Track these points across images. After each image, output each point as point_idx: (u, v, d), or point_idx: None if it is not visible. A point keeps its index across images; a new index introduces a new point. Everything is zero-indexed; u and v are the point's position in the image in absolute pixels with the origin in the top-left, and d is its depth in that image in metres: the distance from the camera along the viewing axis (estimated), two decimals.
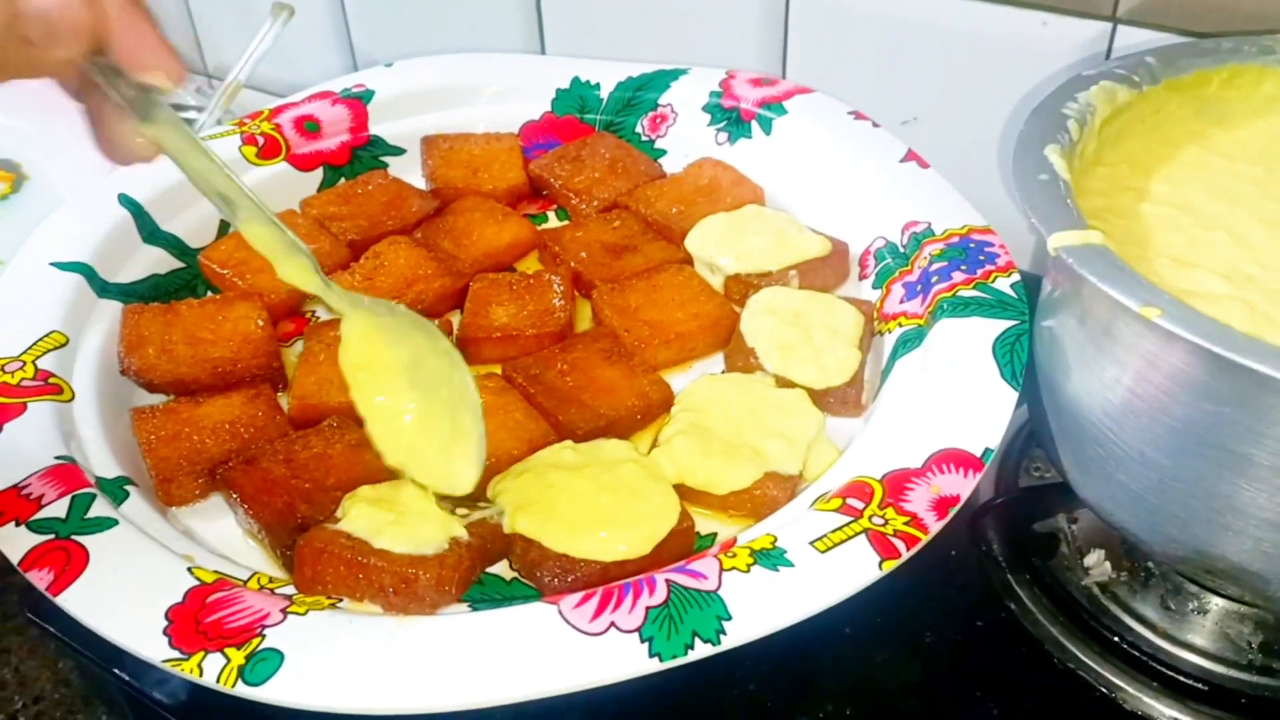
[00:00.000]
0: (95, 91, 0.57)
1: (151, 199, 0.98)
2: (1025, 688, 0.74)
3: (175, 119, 0.59)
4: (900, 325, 0.86)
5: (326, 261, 0.97)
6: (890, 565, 0.65)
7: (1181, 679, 0.73)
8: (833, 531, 0.66)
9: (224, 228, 1.02)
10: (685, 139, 1.11)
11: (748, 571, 0.64)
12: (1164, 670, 0.74)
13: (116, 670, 0.75)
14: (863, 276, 0.96)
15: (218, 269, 0.96)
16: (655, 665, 0.59)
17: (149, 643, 0.62)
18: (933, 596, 0.78)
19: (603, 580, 0.69)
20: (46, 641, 0.80)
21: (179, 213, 1.00)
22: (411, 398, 0.67)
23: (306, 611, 0.64)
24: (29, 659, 0.88)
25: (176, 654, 0.61)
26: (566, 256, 0.98)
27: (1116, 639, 0.75)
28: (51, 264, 0.91)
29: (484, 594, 0.71)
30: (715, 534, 0.76)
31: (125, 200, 0.97)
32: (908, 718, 0.73)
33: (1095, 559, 0.81)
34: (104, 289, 0.91)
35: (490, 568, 0.73)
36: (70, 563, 0.66)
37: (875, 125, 1.04)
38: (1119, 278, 0.62)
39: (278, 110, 1.10)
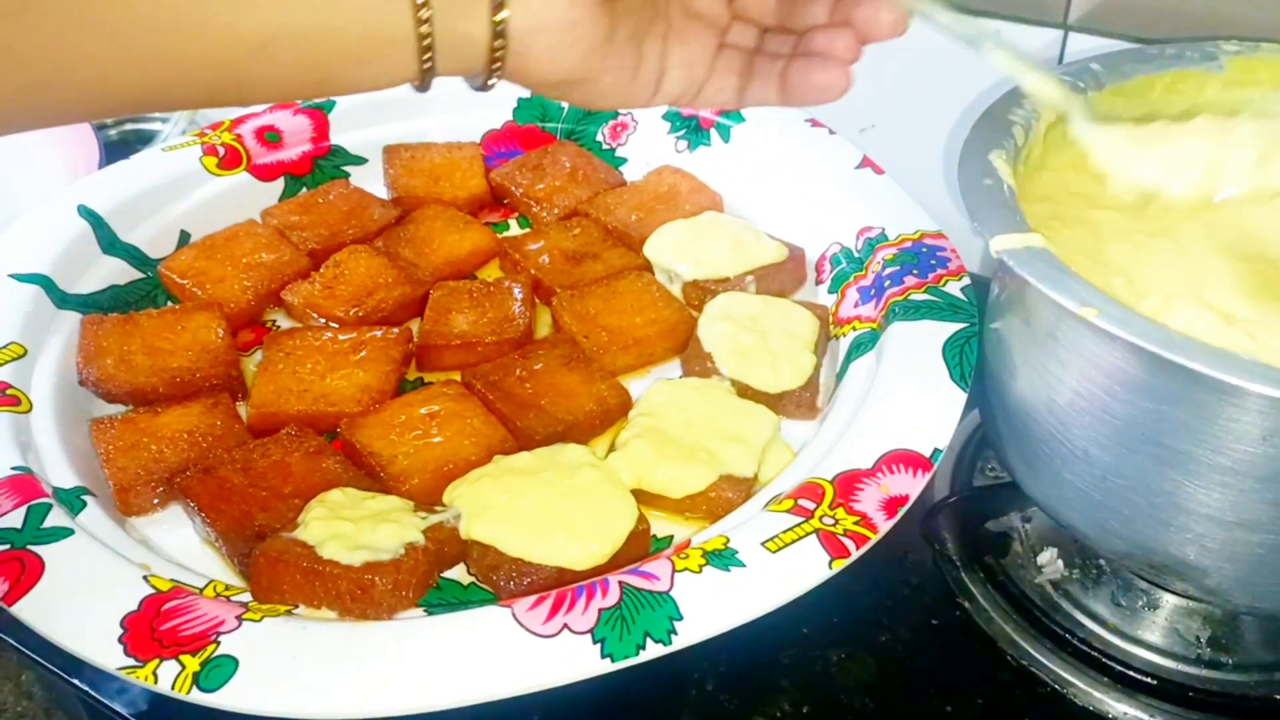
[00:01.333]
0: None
1: (111, 210, 0.98)
2: (979, 685, 0.75)
3: None
4: (855, 329, 0.88)
5: (286, 271, 0.98)
6: (840, 564, 0.66)
7: (1132, 674, 0.74)
8: (784, 532, 0.67)
9: (184, 238, 1.03)
10: (646, 146, 1.12)
11: (699, 572, 0.65)
12: (1115, 665, 0.75)
13: (76, 681, 0.75)
14: (819, 281, 0.97)
15: (177, 279, 0.96)
16: (607, 666, 0.60)
17: (104, 651, 0.62)
18: (888, 596, 0.79)
19: (559, 583, 0.70)
20: (7, 653, 0.80)
21: (138, 224, 1.00)
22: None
23: (261, 618, 0.64)
24: None
25: (131, 661, 0.61)
26: (527, 264, 0.98)
27: (1068, 635, 0.77)
28: (10, 275, 0.90)
29: (441, 599, 0.72)
30: (672, 536, 0.77)
31: (85, 211, 0.97)
32: (863, 716, 0.74)
33: (1048, 557, 0.82)
34: (63, 300, 0.91)
35: (447, 572, 0.73)
36: (25, 572, 0.66)
37: (831, 133, 1.05)
38: (1058, 279, 0.64)
39: (239, 120, 1.10)
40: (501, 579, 0.70)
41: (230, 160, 1.07)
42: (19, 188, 1.20)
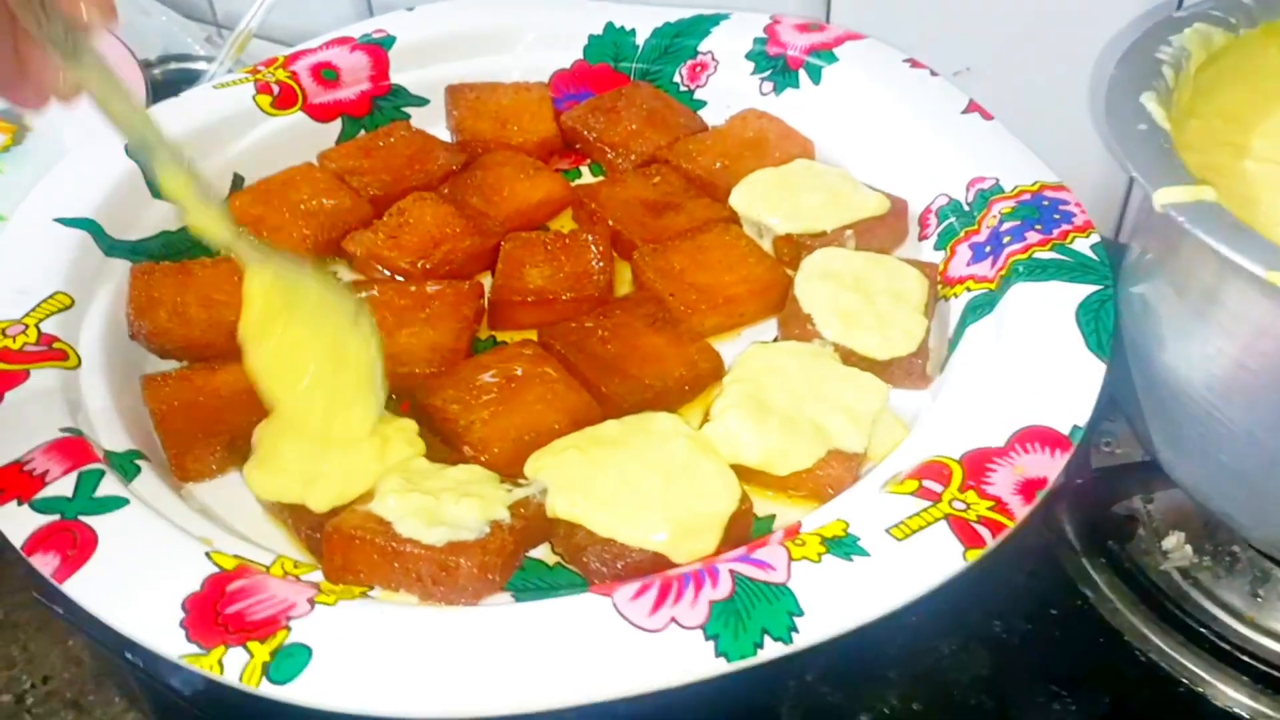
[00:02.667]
0: (14, 25, 0.52)
1: None
2: (1104, 681, 0.69)
3: (101, 60, 0.55)
4: (968, 290, 0.80)
5: (348, 218, 0.91)
6: (975, 555, 0.59)
7: (1274, 672, 0.67)
8: (910, 517, 0.61)
9: (237, 182, 0.96)
10: (727, 89, 1.04)
11: (819, 562, 0.58)
12: (1254, 663, 0.68)
13: (129, 655, 0.69)
14: (923, 237, 0.89)
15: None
16: (723, 666, 0.54)
17: (164, 636, 0.56)
18: (1001, 583, 0.73)
19: (654, 567, 0.64)
20: (55, 618, 0.75)
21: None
22: (312, 357, 0.65)
23: (336, 601, 0.58)
24: (38, 635, 0.83)
25: (194, 648, 0.56)
26: (604, 214, 0.91)
27: (1202, 629, 0.70)
28: (55, 220, 0.84)
29: (526, 580, 0.66)
30: (774, 516, 0.70)
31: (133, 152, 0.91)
32: (980, 714, 0.67)
33: (1174, 542, 0.75)
34: (111, 247, 0.85)
35: (531, 551, 0.67)
36: (77, 546, 0.60)
37: (933, 74, 0.96)
38: (1238, 238, 0.56)
39: (293, 57, 1.03)
40: (592, 561, 0.64)
41: (285, 99, 1.00)
42: (64, 130, 1.14)
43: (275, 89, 1.00)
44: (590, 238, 0.88)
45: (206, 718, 0.70)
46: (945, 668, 0.69)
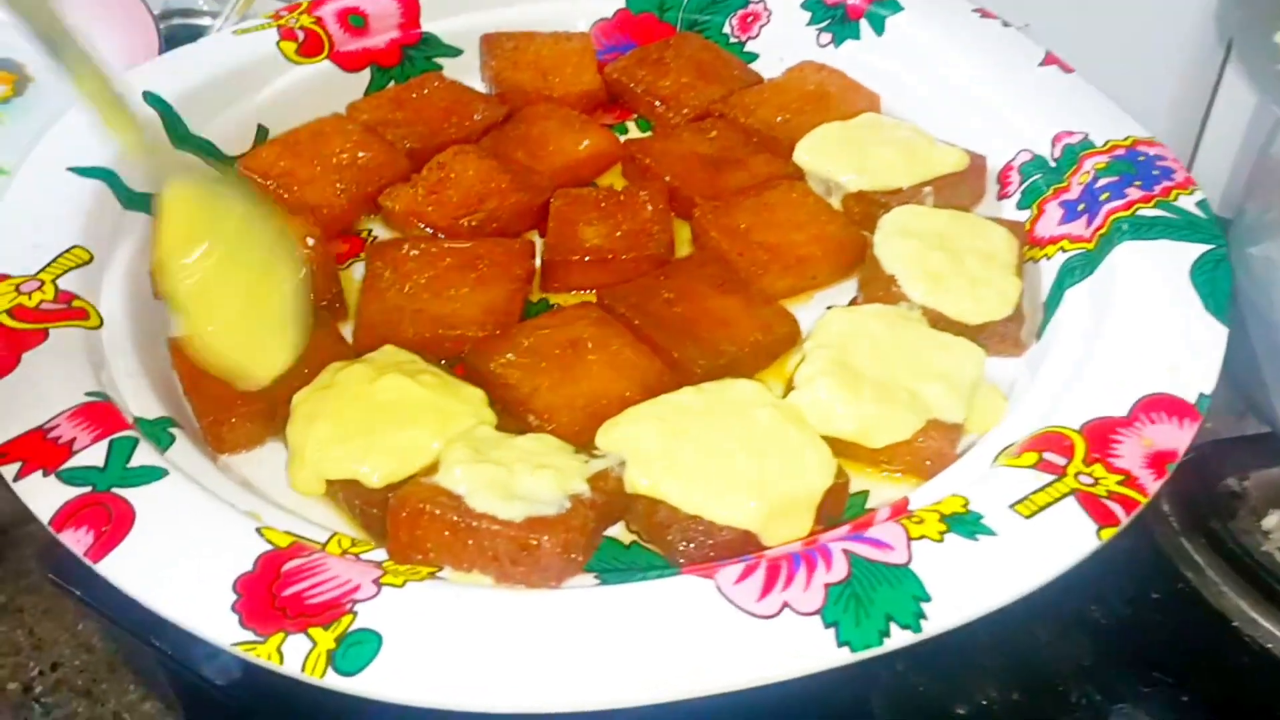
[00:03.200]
0: None
1: (182, 97, 0.85)
2: (1214, 669, 0.64)
3: None
4: (1063, 250, 0.75)
5: (384, 172, 0.85)
6: (1109, 533, 0.54)
7: None
8: (1035, 492, 0.55)
9: (261, 133, 0.90)
10: (781, 40, 0.98)
11: (941, 541, 0.53)
12: None
13: (156, 642, 0.64)
14: (1003, 195, 0.83)
15: (259, 179, 0.83)
16: (846, 656, 0.49)
17: (215, 622, 0.50)
18: (1095, 564, 0.68)
19: (744, 547, 0.58)
20: (64, 600, 0.69)
21: (213, 115, 0.87)
22: (234, 285, 0.60)
23: (404, 583, 0.53)
24: (44, 620, 0.78)
25: (249, 635, 0.50)
26: (659, 170, 0.85)
27: None
28: (69, 169, 0.78)
29: (604, 562, 0.60)
30: (866, 493, 0.65)
31: (152, 99, 0.84)
32: (1083, 707, 0.63)
33: (1275, 521, 0.70)
34: (130, 199, 0.78)
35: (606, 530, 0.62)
36: (113, 522, 0.54)
37: (1006, 25, 0.91)
38: None
39: (318, 2, 0.96)
40: (677, 540, 0.59)
41: (311, 46, 0.93)
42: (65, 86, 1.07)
43: (300, 35, 0.93)
44: (646, 194, 0.82)
45: (240, 708, 0.64)
46: (1045, 657, 0.65)
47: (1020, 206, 0.81)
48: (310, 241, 0.77)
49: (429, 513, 0.55)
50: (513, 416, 0.66)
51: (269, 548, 0.54)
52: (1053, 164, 0.80)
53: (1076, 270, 0.72)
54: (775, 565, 0.52)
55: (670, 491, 0.60)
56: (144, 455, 0.59)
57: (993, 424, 0.65)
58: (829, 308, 0.74)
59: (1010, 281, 0.73)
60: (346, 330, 0.75)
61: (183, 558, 0.53)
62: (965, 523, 0.54)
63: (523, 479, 0.57)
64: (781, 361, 0.73)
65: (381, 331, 0.72)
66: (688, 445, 0.62)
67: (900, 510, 0.57)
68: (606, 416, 0.65)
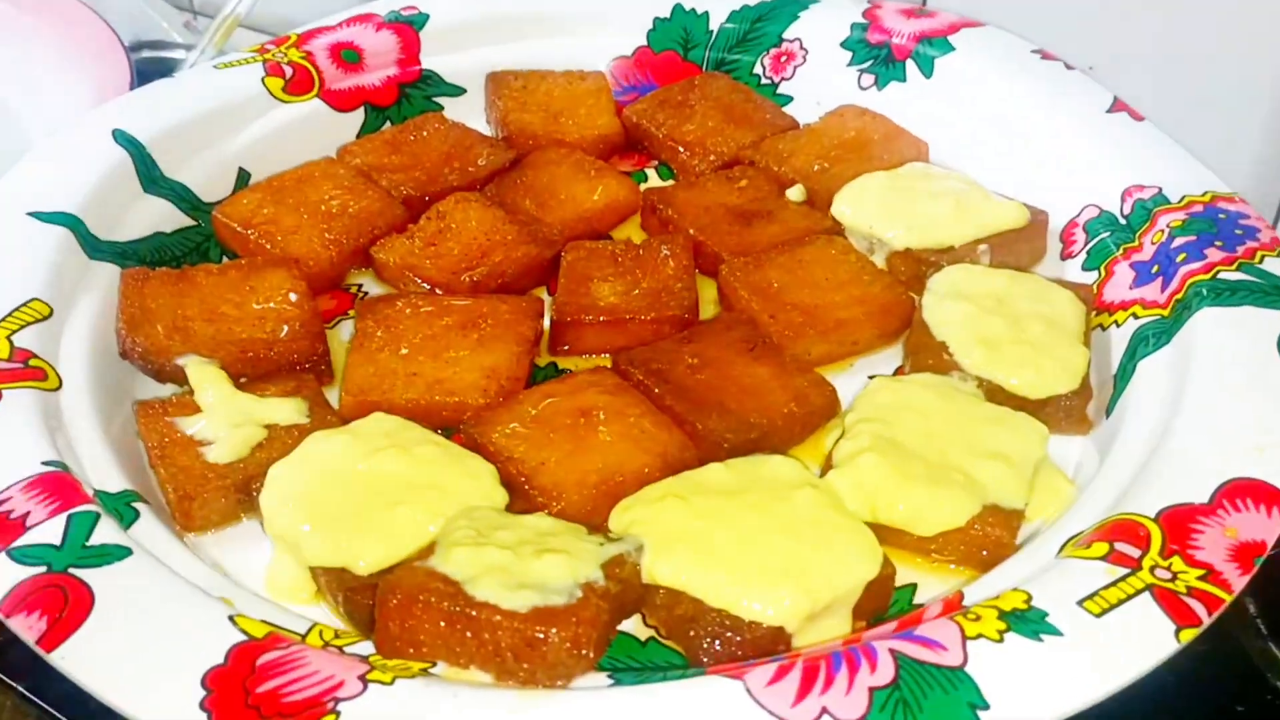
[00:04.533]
0: None
1: (155, 138, 0.88)
2: None
3: None
4: (1134, 317, 0.76)
5: (377, 221, 0.87)
6: (1189, 635, 0.54)
7: None
8: (1106, 588, 0.56)
9: (243, 178, 0.92)
10: (818, 82, 1.01)
11: (1000, 641, 0.54)
12: None
13: None
14: (1067, 254, 0.85)
15: (238, 228, 0.86)
16: None
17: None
18: (1170, 670, 0.67)
19: (774, 645, 0.59)
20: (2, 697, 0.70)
21: (188, 157, 0.89)
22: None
23: (393, 680, 0.53)
24: None
25: None
26: (682, 222, 0.87)
27: None
28: (29, 214, 0.80)
29: (616, 660, 0.61)
30: (914, 586, 0.65)
31: (123, 138, 0.87)
32: None
33: None
34: (96, 248, 0.81)
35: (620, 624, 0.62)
36: (69, 606, 0.55)
37: (1069, 68, 0.93)
38: None
39: (308, 35, 1.00)
40: (702, 636, 0.59)
41: (300, 83, 0.96)
42: (28, 121, 1.10)
43: (288, 71, 0.96)
44: (668, 249, 0.84)
45: None
46: None
47: (1086, 267, 0.83)
48: (294, 297, 0.79)
49: (423, 601, 0.56)
50: (516, 494, 0.67)
51: (243, 638, 0.55)
52: (1122, 220, 0.82)
53: (1150, 339, 0.73)
54: (813, 666, 0.53)
55: (694, 581, 0.60)
56: (105, 532, 0.60)
57: (1058, 510, 0.66)
58: (871, 377, 0.75)
59: (1076, 351, 0.74)
60: (332, 395, 0.76)
61: (147, 648, 0.54)
62: (1028, 621, 0.54)
63: (529, 564, 0.58)
64: (818, 436, 0.74)
65: (371, 397, 0.73)
66: (714, 529, 0.62)
67: (954, 606, 0.58)
68: (622, 495, 0.66)
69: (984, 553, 0.65)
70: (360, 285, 0.87)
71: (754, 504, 0.64)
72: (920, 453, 0.67)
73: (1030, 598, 0.56)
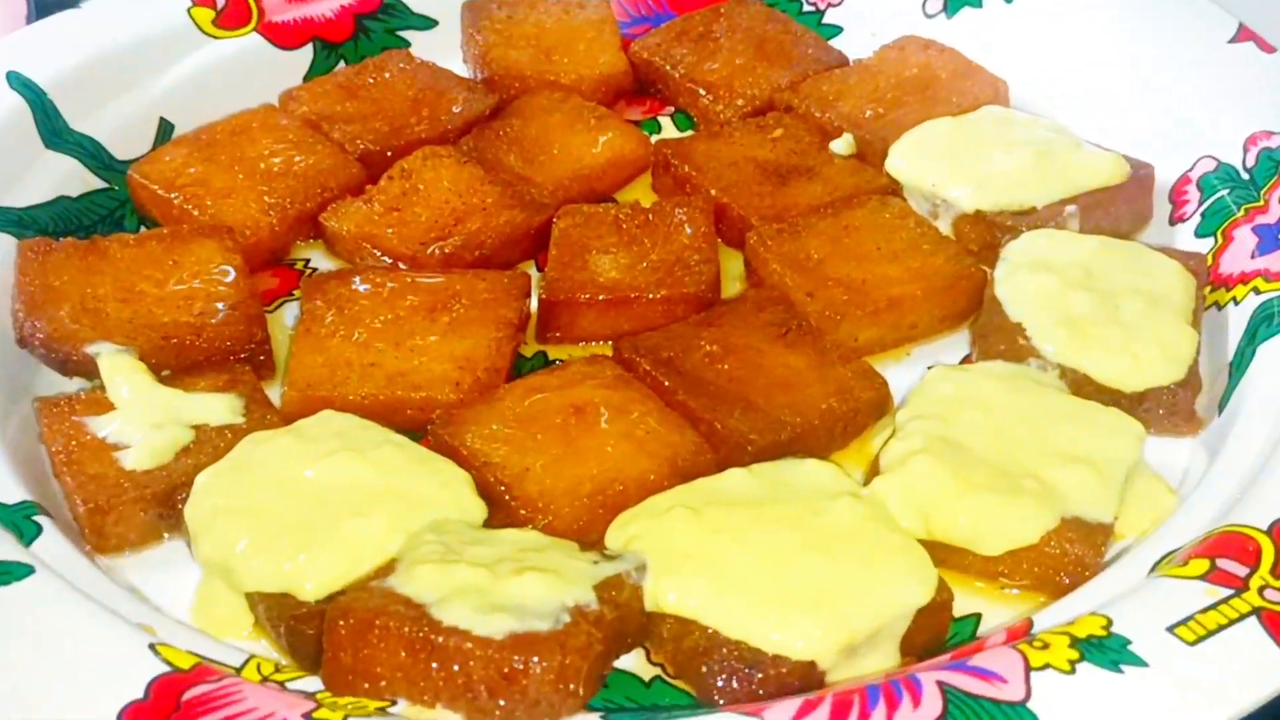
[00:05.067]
0: None
1: (57, 82, 0.93)
2: None
3: None
4: (1255, 292, 0.80)
5: (328, 183, 0.92)
6: None
7: None
8: (1203, 611, 0.60)
9: (165, 130, 0.97)
10: (874, 7, 1.06)
11: (1071, 672, 0.57)
12: None
13: None
14: (1177, 217, 0.89)
15: (159, 191, 0.91)
16: None
17: None
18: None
19: (804, 683, 0.63)
20: None
21: (100, 105, 0.95)
22: None
23: (344, 719, 0.57)
24: None
25: None
26: (703, 182, 0.92)
27: None
28: None
29: (610, 701, 0.65)
30: (977, 616, 0.69)
31: (18, 83, 0.92)
32: None
33: None
34: None
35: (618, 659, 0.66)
36: None
37: None
38: None
39: None
40: (716, 673, 0.63)
41: (234, 15, 1.02)
42: None
43: (219, 0, 1.01)
44: (684, 213, 0.89)
45: None
46: None
47: (1200, 233, 0.87)
48: (227, 273, 0.84)
49: (380, 625, 0.60)
50: (496, 506, 0.71)
51: (166, 669, 0.59)
52: (1245, 175, 0.86)
53: (1275, 318, 0.77)
54: (844, 701, 0.57)
55: (707, 607, 0.64)
56: (4, 548, 0.65)
57: (1153, 524, 0.70)
58: (930, 367, 0.79)
59: (1182, 333, 0.78)
60: (273, 391, 0.81)
61: (53, 680, 0.58)
62: (1105, 649, 0.58)
63: (507, 584, 0.62)
64: (865, 438, 0.78)
65: (320, 392, 0.78)
66: (733, 546, 0.66)
67: (1021, 632, 0.61)
68: (621, 507, 0.70)
69: (1062, 576, 0.68)
70: (308, 260, 0.92)
71: (781, 517, 0.68)
72: (986, 456, 0.71)
73: (1110, 623, 0.60)
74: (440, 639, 0.60)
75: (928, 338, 0.85)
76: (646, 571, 0.66)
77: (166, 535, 0.73)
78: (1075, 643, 0.59)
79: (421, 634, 0.60)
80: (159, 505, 0.73)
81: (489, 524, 0.71)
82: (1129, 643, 0.59)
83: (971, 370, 0.78)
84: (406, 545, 0.66)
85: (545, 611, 0.61)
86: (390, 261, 0.88)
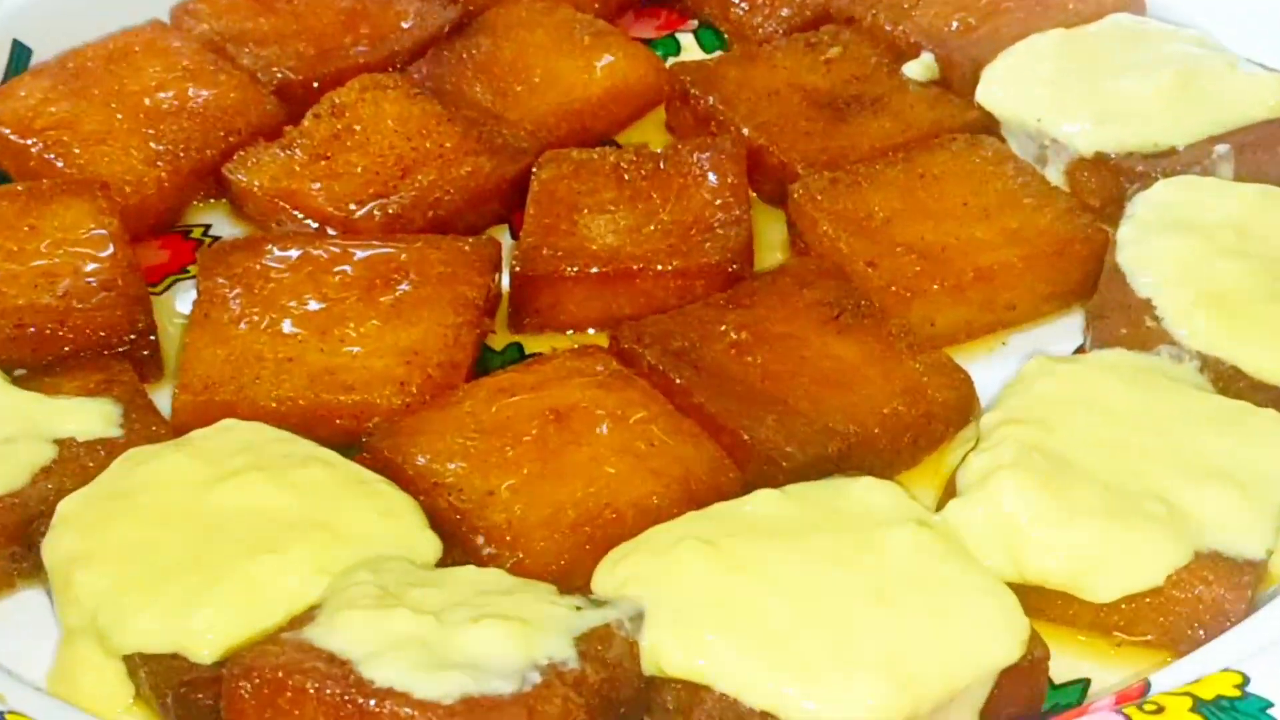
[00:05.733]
0: None
1: None
2: None
3: None
4: None
5: (235, 123, 0.97)
6: None
7: None
8: None
9: (20, 55, 1.01)
10: None
11: None
12: None
13: None
14: None
15: (12, 136, 0.96)
16: None
17: None
18: None
19: None
20: None
21: None
22: None
23: None
24: None
25: None
26: (733, 118, 0.96)
27: None
28: None
29: None
30: (1085, 682, 0.73)
31: None
32: None
33: None
34: None
35: None
36: None
37: None
38: None
39: None
40: None
41: None
42: None
43: None
44: (707, 159, 0.92)
45: None
46: None
47: None
48: (103, 243, 0.88)
49: (295, 687, 0.64)
50: (453, 541, 0.75)
51: None
52: None
53: None
54: None
55: (723, 670, 0.67)
56: None
57: None
58: (1031, 356, 0.82)
59: None
60: (161, 395, 0.85)
61: None
62: (1239, 713, 0.62)
63: (461, 636, 0.65)
64: (941, 452, 0.82)
65: (222, 395, 0.82)
66: (759, 590, 0.69)
67: (1131, 697, 0.65)
68: (615, 540, 0.74)
69: (1197, 628, 0.71)
70: (207, 226, 0.96)
71: (824, 551, 0.71)
72: (1098, 472, 0.74)
73: (1245, 681, 0.63)
74: (371, 703, 0.63)
75: (1029, 322, 0.88)
76: (644, 622, 0.69)
77: (19, 583, 0.77)
78: (1199, 705, 0.62)
79: (347, 697, 0.63)
80: (10, 542, 0.76)
81: (443, 563, 0.74)
82: (1269, 705, 0.62)
83: (1083, 362, 0.81)
84: (332, 587, 0.70)
85: (509, 669, 0.65)
86: (316, 226, 0.92)
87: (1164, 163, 0.89)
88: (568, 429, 0.79)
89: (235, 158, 0.95)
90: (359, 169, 0.93)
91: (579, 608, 0.69)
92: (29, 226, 0.88)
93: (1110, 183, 0.90)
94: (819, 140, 0.94)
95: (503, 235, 0.92)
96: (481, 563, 0.74)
